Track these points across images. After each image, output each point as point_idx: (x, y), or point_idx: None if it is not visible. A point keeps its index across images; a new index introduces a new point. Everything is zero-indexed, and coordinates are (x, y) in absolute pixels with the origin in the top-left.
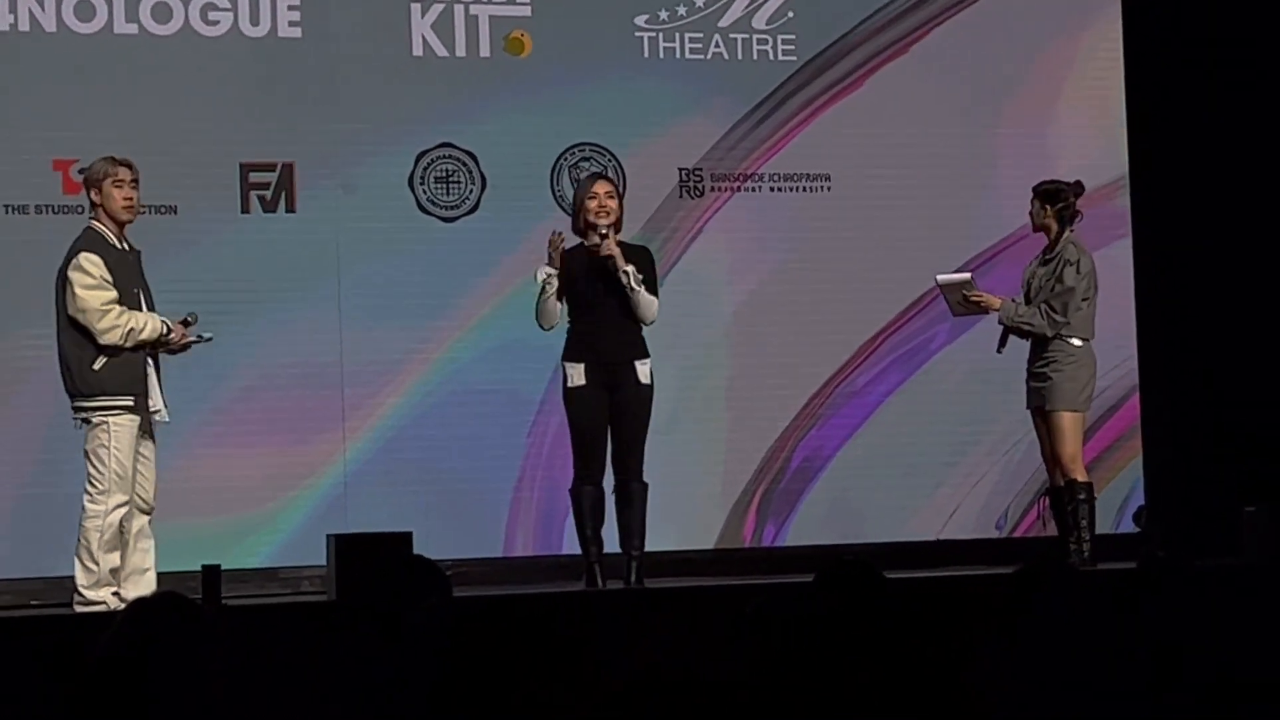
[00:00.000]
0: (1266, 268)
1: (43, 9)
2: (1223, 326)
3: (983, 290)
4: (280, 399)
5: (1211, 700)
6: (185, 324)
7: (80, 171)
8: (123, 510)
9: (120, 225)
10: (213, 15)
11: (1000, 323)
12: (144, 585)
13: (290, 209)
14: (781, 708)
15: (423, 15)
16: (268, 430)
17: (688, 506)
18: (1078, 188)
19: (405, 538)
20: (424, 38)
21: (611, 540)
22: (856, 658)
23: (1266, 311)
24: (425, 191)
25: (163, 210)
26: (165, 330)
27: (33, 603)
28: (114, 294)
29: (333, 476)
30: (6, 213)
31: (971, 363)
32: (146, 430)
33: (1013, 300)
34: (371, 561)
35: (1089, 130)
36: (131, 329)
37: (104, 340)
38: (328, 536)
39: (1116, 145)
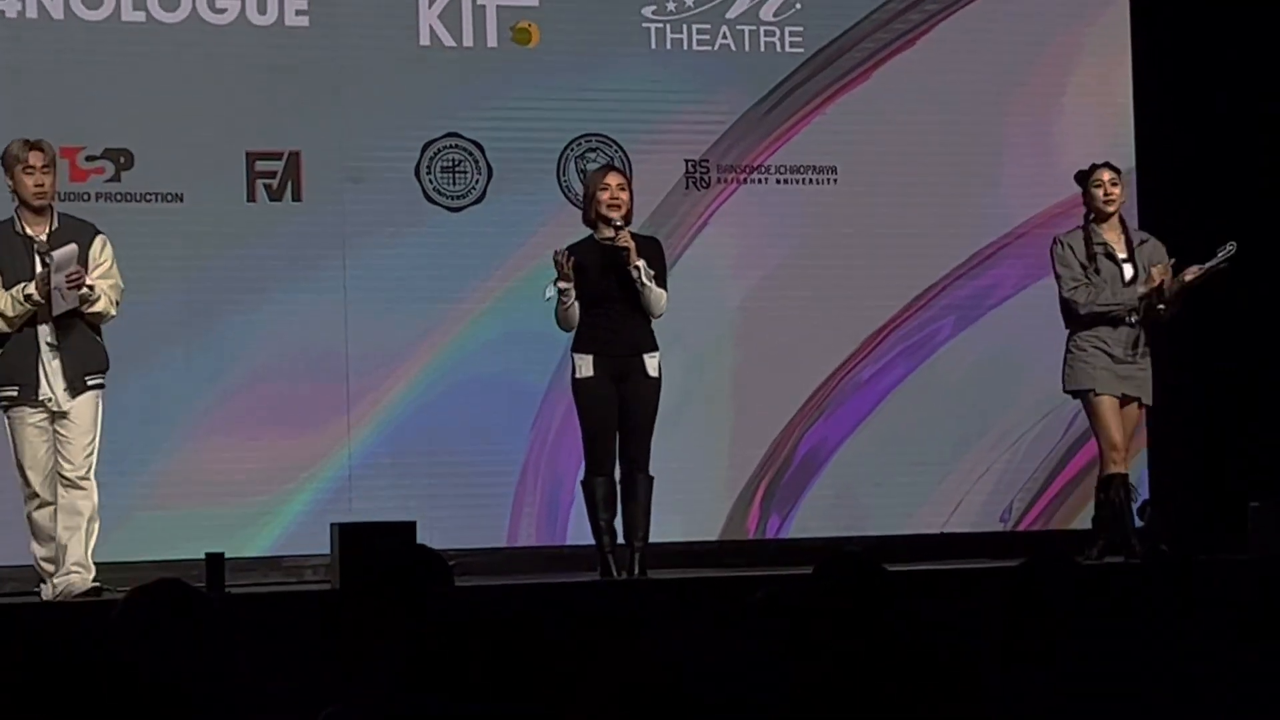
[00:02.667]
0: (1274, 261)
1: None
2: (1229, 319)
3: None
4: (285, 388)
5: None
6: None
7: None
8: (41, 510)
9: (35, 210)
10: (220, 4)
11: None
12: (67, 566)
13: (296, 198)
14: (781, 701)
15: (430, 5)
16: (272, 419)
17: (692, 498)
18: None
19: (409, 527)
20: (431, 27)
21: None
22: (855, 650)
23: (1274, 304)
24: (431, 181)
25: (169, 198)
26: (24, 294)
27: (34, 589)
28: None
29: (337, 465)
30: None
31: (977, 355)
32: (57, 411)
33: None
34: (375, 551)
35: (1096, 123)
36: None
37: None
38: (331, 525)
39: (1124, 138)
